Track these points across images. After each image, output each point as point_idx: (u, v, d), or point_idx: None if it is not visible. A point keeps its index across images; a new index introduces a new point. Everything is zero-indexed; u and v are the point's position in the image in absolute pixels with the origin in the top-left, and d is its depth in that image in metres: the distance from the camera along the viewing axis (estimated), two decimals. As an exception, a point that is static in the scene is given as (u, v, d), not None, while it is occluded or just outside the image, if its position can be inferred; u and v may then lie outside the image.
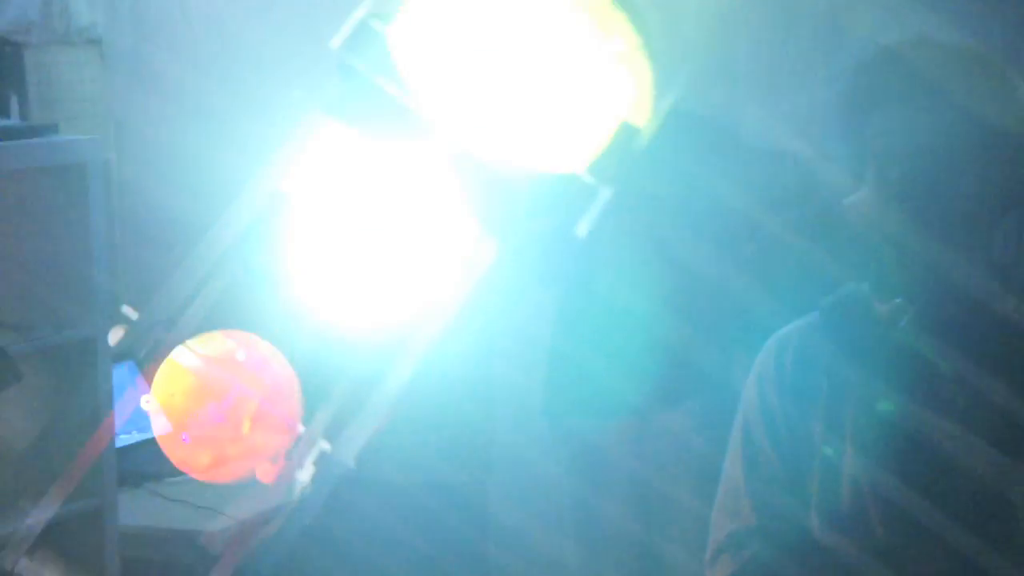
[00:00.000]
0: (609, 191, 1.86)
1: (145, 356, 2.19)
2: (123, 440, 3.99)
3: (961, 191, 2.02)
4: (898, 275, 2.05)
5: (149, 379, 2.13)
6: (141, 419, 4.12)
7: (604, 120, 1.80)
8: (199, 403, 1.91)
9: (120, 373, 4.02)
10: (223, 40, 4.67)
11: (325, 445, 2.08)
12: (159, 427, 2.49)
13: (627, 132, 1.68)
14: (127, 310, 1.66)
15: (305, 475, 2.08)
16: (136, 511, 3.86)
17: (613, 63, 1.80)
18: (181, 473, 3.85)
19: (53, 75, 4.54)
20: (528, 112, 1.58)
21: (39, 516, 3.37)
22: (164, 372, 1.89)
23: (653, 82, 1.80)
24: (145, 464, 4.05)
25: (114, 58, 4.72)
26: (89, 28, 4.60)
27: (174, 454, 1.98)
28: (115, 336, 1.76)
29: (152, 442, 4.11)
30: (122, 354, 4.08)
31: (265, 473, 1.86)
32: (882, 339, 2.06)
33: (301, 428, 2.13)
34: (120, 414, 3.98)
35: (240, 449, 1.85)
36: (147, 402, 1.89)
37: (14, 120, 4.03)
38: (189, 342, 2.05)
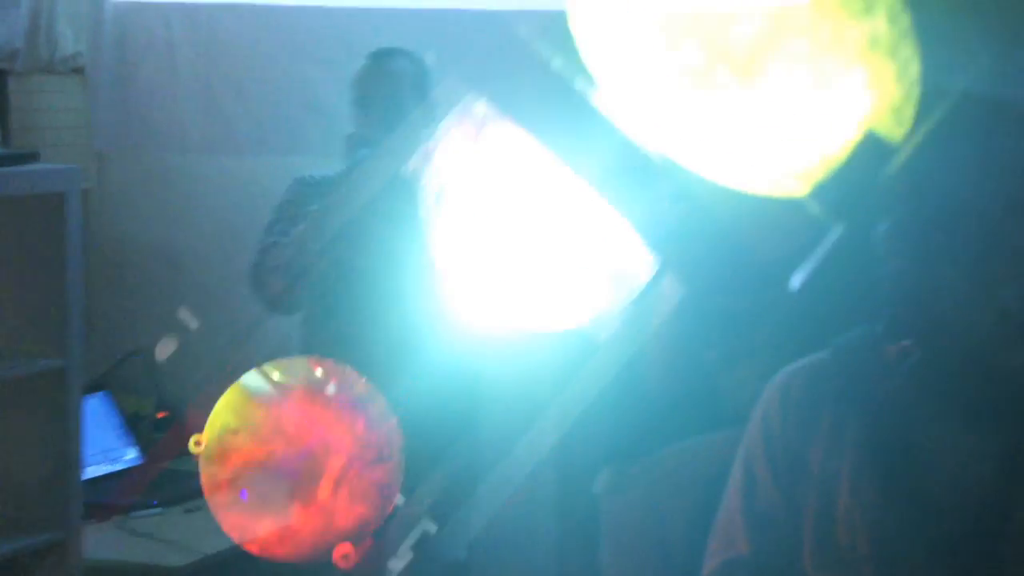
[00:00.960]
0: (840, 229, 1.85)
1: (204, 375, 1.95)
2: (91, 472, 3.95)
3: (975, 241, 1.99)
4: (908, 316, 2.03)
5: (204, 408, 1.70)
6: (111, 450, 4.31)
7: (842, 128, 1.57)
8: (268, 448, 1.51)
9: (92, 404, 4.11)
10: (208, 71, 4.64)
11: (430, 526, 1.76)
12: (210, 481, 1.97)
13: (874, 145, 1.56)
14: (184, 314, 1.39)
15: (399, 564, 1.74)
16: (101, 545, 3.79)
17: (861, 50, 1.57)
18: (149, 506, 3.79)
19: (36, 103, 4.50)
20: (737, 116, 1.25)
21: (2, 548, 3.41)
22: (227, 401, 1.56)
23: (919, 75, 1.73)
24: (113, 497, 4.05)
25: (97, 87, 4.64)
26: (73, 57, 4.54)
27: (226, 516, 1.58)
28: (165, 350, 1.48)
29: (120, 474, 4.20)
30: (96, 384, 4.35)
31: (345, 556, 1.42)
32: (885, 381, 2.04)
33: (400, 499, 1.76)
34: (90, 445, 3.90)
35: (316, 519, 1.42)
36: (196, 444, 1.53)
37: None
38: (266, 365, 1.72)
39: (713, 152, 1.89)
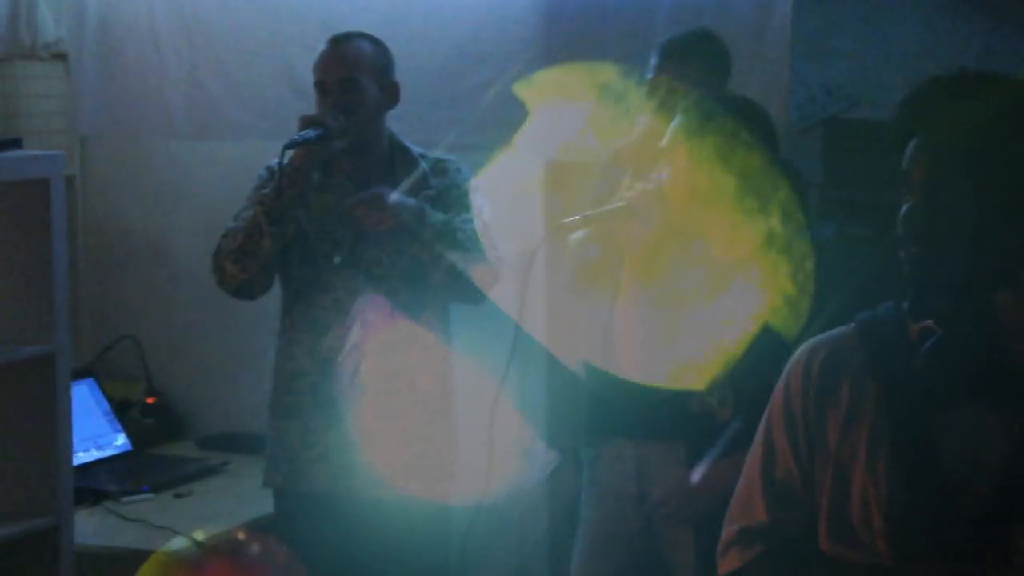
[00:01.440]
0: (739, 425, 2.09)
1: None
2: (81, 458, 4.00)
3: (982, 228, 2.03)
4: (930, 296, 2.07)
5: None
6: (100, 436, 4.32)
7: (739, 323, 1.80)
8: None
9: (80, 390, 4.13)
10: (192, 55, 4.62)
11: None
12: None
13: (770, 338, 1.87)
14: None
15: None
16: (93, 530, 3.81)
17: (757, 248, 1.85)
18: (139, 491, 3.79)
19: (18, 89, 4.50)
20: (637, 313, 1.49)
21: None
22: (151, 567, 1.61)
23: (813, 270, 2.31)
24: (103, 482, 4.07)
25: (81, 73, 4.63)
26: (55, 42, 4.53)
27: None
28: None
29: (111, 460, 4.39)
30: (84, 370, 4.41)
31: None
32: (906, 358, 2.07)
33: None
34: (79, 431, 3.92)
35: None
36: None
37: None
38: (193, 532, 1.73)
39: (617, 349, 2.00)
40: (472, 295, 3.71)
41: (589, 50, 4.12)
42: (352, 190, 3.56)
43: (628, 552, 3.86)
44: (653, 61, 3.70)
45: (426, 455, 3.66)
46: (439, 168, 3.69)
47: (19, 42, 4.38)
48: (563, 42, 4.20)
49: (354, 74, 3.55)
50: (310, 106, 4.04)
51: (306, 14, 4.44)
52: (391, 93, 3.61)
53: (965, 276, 2.04)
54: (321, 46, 3.67)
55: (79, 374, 4.23)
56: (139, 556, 3.64)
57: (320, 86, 3.57)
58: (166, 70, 4.59)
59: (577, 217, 3.13)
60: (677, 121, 3.04)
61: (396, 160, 3.64)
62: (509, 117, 4.16)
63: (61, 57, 4.56)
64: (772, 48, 4.12)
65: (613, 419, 3.77)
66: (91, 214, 4.72)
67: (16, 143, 3.62)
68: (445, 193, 3.67)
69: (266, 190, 3.52)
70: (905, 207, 2.01)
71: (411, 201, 3.54)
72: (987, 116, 2.04)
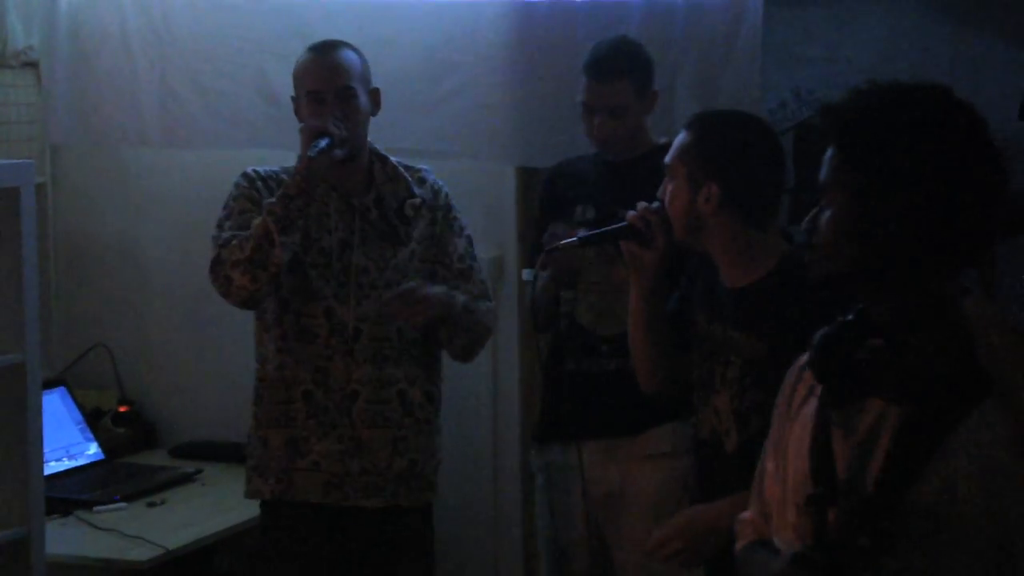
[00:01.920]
0: None
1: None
2: (53, 467, 3.99)
3: (889, 239, 2.02)
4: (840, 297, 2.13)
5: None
6: (72, 445, 4.28)
7: None
8: None
9: (51, 399, 4.13)
10: (164, 64, 4.58)
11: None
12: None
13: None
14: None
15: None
16: (65, 540, 3.76)
17: None
18: (111, 501, 3.83)
19: None
20: None
21: None
22: None
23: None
24: (75, 492, 4.05)
25: (52, 81, 4.63)
26: (25, 51, 4.52)
27: None
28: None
29: (82, 469, 4.36)
30: (56, 379, 4.38)
31: None
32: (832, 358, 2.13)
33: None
34: (50, 440, 3.92)
35: None
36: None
37: None
38: None
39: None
40: (475, 356, 3.75)
41: (560, 55, 4.13)
42: (337, 199, 3.55)
43: (580, 558, 3.93)
44: (583, 83, 3.73)
45: (414, 465, 3.65)
46: (417, 177, 3.69)
47: None
48: (535, 47, 4.20)
49: (350, 83, 3.55)
50: (281, 114, 4.06)
51: (278, 23, 4.43)
52: (376, 101, 3.64)
53: (865, 280, 2.06)
54: (294, 54, 3.65)
55: (50, 383, 4.21)
56: (111, 566, 3.80)
57: (315, 95, 3.55)
58: (138, 78, 4.57)
59: (575, 239, 3.28)
60: (681, 138, 3.05)
61: (375, 170, 3.66)
62: (481, 123, 4.29)
63: (32, 65, 4.55)
64: (744, 54, 4.12)
65: (557, 425, 3.86)
66: (62, 222, 4.70)
67: None
68: (434, 209, 3.67)
69: (271, 200, 3.50)
70: (813, 212, 2.04)
71: (440, 289, 3.57)
72: (896, 128, 2.03)
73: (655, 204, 3.06)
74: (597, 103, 3.74)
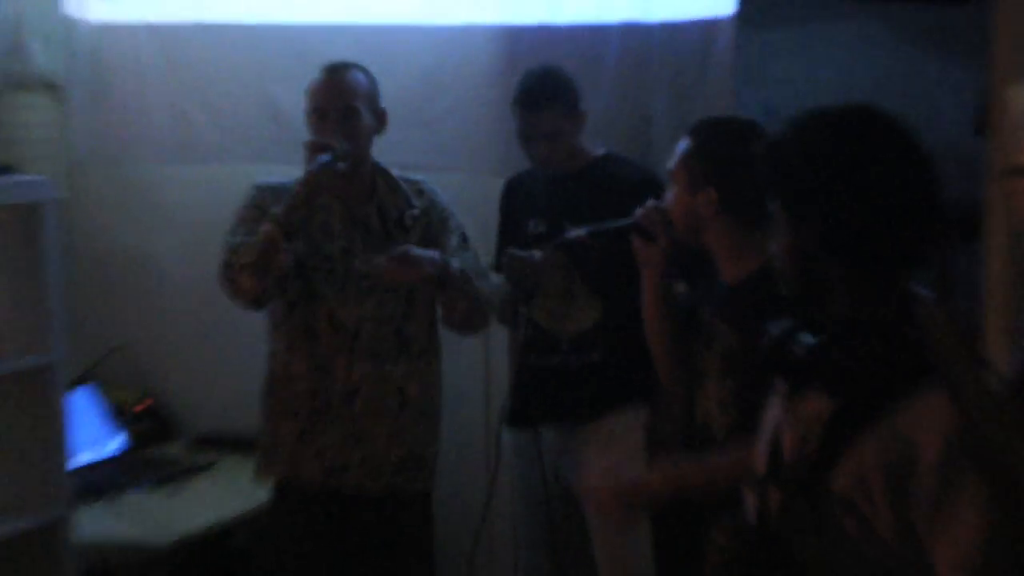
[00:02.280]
0: None
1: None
2: (81, 459, 4.08)
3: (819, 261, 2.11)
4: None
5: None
6: (97, 438, 4.37)
7: None
8: None
9: (79, 396, 4.27)
10: (177, 86, 4.68)
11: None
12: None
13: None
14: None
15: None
16: (93, 525, 3.89)
17: None
18: (136, 489, 4.10)
19: (12, 119, 4.50)
20: None
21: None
22: None
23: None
24: (102, 481, 4.16)
25: (71, 103, 4.69)
26: (47, 73, 4.59)
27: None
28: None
29: (108, 461, 4.36)
30: (82, 378, 4.44)
31: None
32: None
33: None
34: (78, 434, 4.01)
35: None
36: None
37: None
38: None
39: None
40: (478, 328, 3.90)
41: None
42: (340, 209, 3.67)
43: (550, 542, 4.07)
44: (516, 112, 3.89)
45: (412, 453, 3.78)
46: (416, 189, 3.79)
47: (10, 73, 4.45)
48: (521, 68, 4.15)
49: (353, 102, 3.64)
50: (285, 132, 4.28)
51: (282, 46, 4.52)
52: (381, 119, 3.72)
53: (813, 298, 2.15)
54: (298, 76, 3.82)
55: (78, 381, 4.32)
56: (135, 548, 3.94)
57: (319, 112, 3.65)
58: (152, 99, 4.66)
59: (584, 231, 3.35)
60: (682, 145, 3.13)
61: (378, 182, 3.75)
62: (473, 139, 4.41)
63: (53, 88, 4.62)
64: (716, 74, 4.20)
65: (523, 413, 3.98)
66: (83, 234, 4.74)
67: (7, 170, 3.70)
68: (429, 215, 3.79)
69: (276, 209, 3.57)
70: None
71: (433, 254, 3.66)
72: (822, 155, 2.09)
73: (654, 206, 3.18)
74: (533, 132, 3.89)
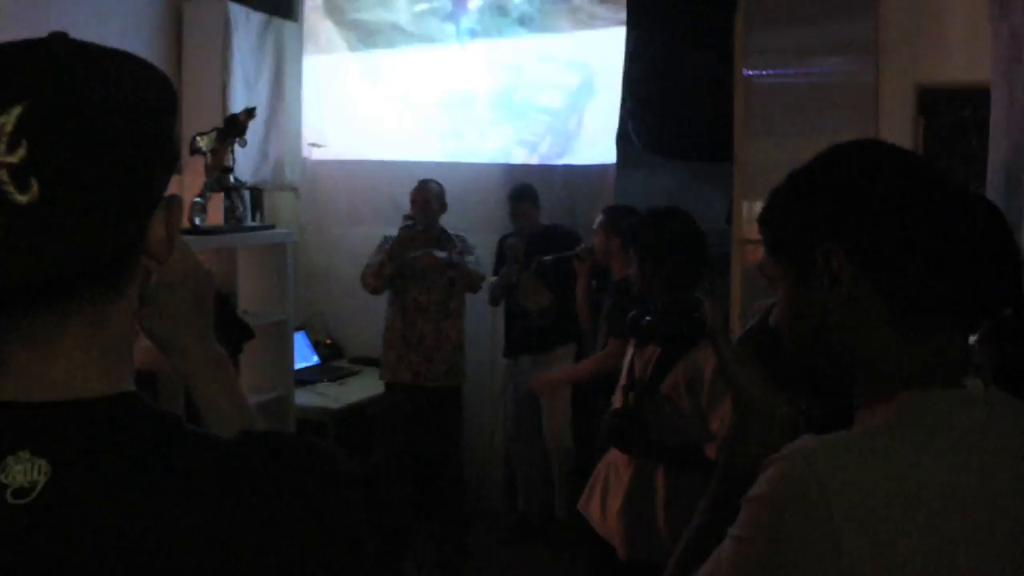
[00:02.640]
0: None
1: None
2: (299, 365, 4.40)
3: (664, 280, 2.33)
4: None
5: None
6: (307, 356, 4.70)
7: None
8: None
9: (299, 337, 4.51)
10: (349, 189, 4.97)
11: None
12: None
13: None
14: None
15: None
16: (302, 400, 4.20)
17: None
18: (324, 381, 4.49)
19: (272, 203, 4.65)
20: None
21: (251, 401, 3.60)
22: None
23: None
24: (307, 376, 4.55)
25: (302, 197, 4.94)
26: (292, 183, 4.84)
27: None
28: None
29: (311, 367, 4.67)
30: (299, 327, 4.50)
31: None
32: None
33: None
34: (299, 354, 4.34)
35: None
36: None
37: (257, 223, 3.95)
38: None
39: None
40: (474, 288, 4.00)
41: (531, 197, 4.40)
42: (423, 248, 3.93)
43: (518, 415, 4.21)
44: (509, 204, 4.20)
45: (452, 367, 4.01)
46: (458, 239, 4.02)
47: (277, 183, 4.73)
48: (511, 184, 4.52)
49: (428, 196, 3.94)
50: (401, 212, 4.34)
51: (402, 170, 4.71)
52: (443, 206, 4.00)
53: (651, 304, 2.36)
54: (408, 185, 4.15)
55: (298, 329, 4.43)
56: (324, 411, 4.12)
57: (413, 203, 3.96)
58: (339, 193, 5.01)
59: (549, 258, 3.87)
60: (600, 218, 3.51)
61: (442, 236, 4.00)
62: (484, 216, 4.62)
63: (293, 190, 4.92)
64: (606, 188, 4.46)
65: (510, 349, 4.28)
66: (305, 258, 4.95)
67: (271, 227, 4.01)
68: (464, 250, 3.99)
69: (386, 247, 3.88)
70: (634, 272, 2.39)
71: (444, 254, 3.89)
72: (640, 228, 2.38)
73: (586, 246, 3.64)
74: (516, 212, 4.21)
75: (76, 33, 0.67)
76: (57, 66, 0.65)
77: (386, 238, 3.95)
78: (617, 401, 2.42)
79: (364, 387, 4.54)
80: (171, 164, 0.71)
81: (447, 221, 4.14)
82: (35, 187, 0.62)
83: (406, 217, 3.93)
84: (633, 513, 2.32)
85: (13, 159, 0.62)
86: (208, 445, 0.70)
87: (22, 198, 0.62)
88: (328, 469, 0.71)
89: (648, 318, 2.11)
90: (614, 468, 2.43)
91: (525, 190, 4.21)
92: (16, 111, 0.63)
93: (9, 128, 0.62)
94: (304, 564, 0.67)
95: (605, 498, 2.43)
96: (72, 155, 0.63)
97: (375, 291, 3.94)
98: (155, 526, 0.64)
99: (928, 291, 0.89)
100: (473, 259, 3.93)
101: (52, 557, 0.64)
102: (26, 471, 0.65)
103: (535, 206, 4.21)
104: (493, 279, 4.16)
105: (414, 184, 4.10)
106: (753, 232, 3.57)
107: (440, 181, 4.11)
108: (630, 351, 2.43)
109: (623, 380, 2.40)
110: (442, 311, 3.92)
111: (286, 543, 0.67)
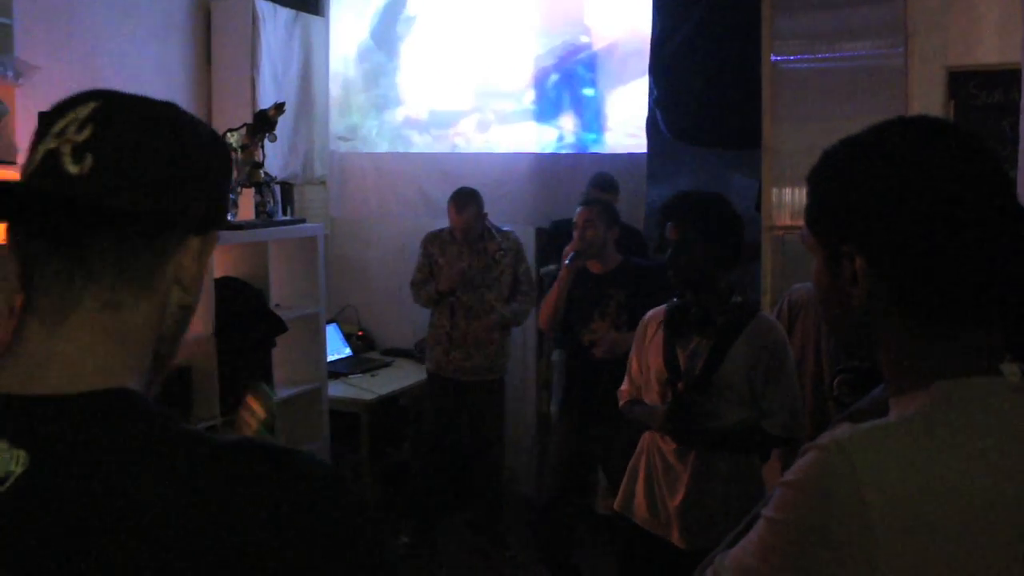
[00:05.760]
0: None
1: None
2: (331, 357, 4.43)
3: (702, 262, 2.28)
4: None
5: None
6: (339, 349, 4.73)
7: None
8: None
9: (331, 329, 4.57)
10: (378, 182, 4.92)
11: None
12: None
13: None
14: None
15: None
16: (335, 391, 4.21)
17: None
18: (357, 372, 4.43)
19: (306, 197, 4.79)
20: None
21: (284, 394, 3.68)
22: None
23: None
24: (339, 368, 4.58)
25: (331, 190, 4.96)
26: (320, 176, 4.90)
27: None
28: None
29: (343, 359, 4.69)
30: (331, 320, 4.61)
31: None
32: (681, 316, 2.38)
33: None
34: (330, 347, 4.31)
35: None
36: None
37: (287, 217, 3.93)
38: None
39: None
40: (522, 323, 3.99)
41: (559, 180, 4.51)
42: (468, 252, 3.88)
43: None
44: (587, 188, 4.04)
45: (493, 362, 3.99)
46: (503, 234, 3.99)
47: (306, 177, 4.77)
48: (547, 176, 4.57)
49: (469, 225, 3.90)
50: (429, 206, 4.56)
51: (429, 162, 4.80)
52: (481, 216, 3.96)
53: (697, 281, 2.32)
54: (436, 178, 4.29)
55: (330, 321, 4.49)
56: (356, 401, 4.06)
57: (450, 206, 3.92)
58: (368, 186, 4.99)
59: (568, 261, 3.50)
60: (592, 211, 3.39)
61: (485, 233, 3.96)
62: (522, 209, 4.59)
63: (322, 183, 4.93)
64: (637, 180, 4.39)
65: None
66: (336, 252, 5.00)
67: (302, 220, 3.98)
68: (511, 248, 3.93)
69: (430, 290, 3.89)
70: (670, 253, 2.31)
71: (496, 317, 3.85)
72: (693, 208, 2.31)
73: (584, 244, 3.43)
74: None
75: (106, 31, 0.76)
76: (128, 95, 0.77)
77: (426, 237, 3.97)
78: (651, 395, 2.40)
79: (396, 378, 4.53)
80: (206, 195, 0.78)
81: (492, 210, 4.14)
82: (89, 160, 0.71)
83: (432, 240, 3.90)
84: (694, 502, 2.32)
85: (79, 138, 0.72)
86: (198, 444, 0.71)
87: (75, 168, 0.71)
88: (324, 475, 0.72)
89: (695, 310, 2.21)
90: (657, 463, 2.41)
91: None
92: (92, 104, 0.74)
93: (84, 115, 0.73)
94: (288, 565, 0.67)
95: (652, 494, 2.41)
96: (126, 145, 0.72)
97: (426, 305, 4.01)
98: (128, 519, 0.65)
99: (949, 303, 0.88)
100: (524, 267, 3.91)
101: (21, 545, 0.65)
102: (3, 461, 0.67)
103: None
104: (546, 269, 4.07)
105: (442, 176, 4.28)
106: (783, 219, 3.61)
107: (470, 171, 4.19)
108: (653, 342, 2.41)
109: (658, 374, 2.38)
110: (484, 311, 3.92)
111: (266, 543, 0.67)
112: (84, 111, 0.73)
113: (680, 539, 2.32)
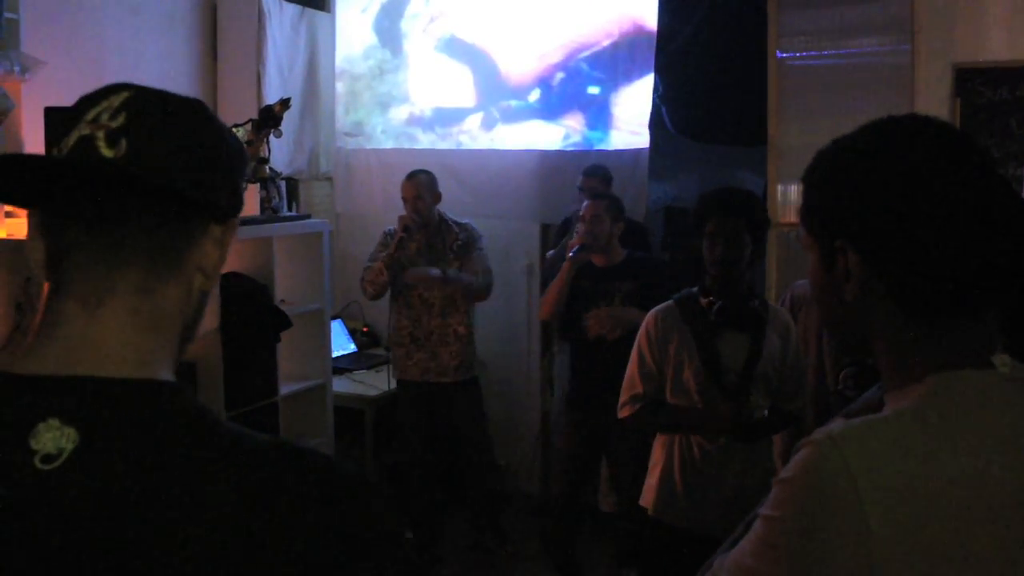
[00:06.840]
0: None
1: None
2: (336, 353, 4.40)
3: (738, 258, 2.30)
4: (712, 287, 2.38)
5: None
6: (344, 345, 4.71)
7: None
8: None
9: (336, 324, 4.58)
10: (378, 180, 4.81)
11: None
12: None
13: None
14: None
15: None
16: (339, 387, 4.18)
17: None
18: (361, 367, 4.46)
19: (311, 192, 4.76)
20: None
21: (289, 389, 3.64)
22: None
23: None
24: (343, 364, 4.48)
25: (337, 186, 4.94)
26: (326, 172, 4.90)
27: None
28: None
29: (348, 355, 4.68)
30: (336, 315, 4.55)
31: None
32: (700, 317, 2.40)
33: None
34: (335, 342, 4.27)
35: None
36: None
37: (293, 213, 3.93)
38: None
39: None
40: (478, 298, 3.86)
41: (560, 176, 4.45)
42: (423, 240, 3.77)
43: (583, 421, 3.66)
44: (581, 177, 4.05)
45: (462, 361, 3.86)
46: (461, 226, 3.83)
47: (312, 173, 4.76)
48: (547, 173, 4.52)
49: (419, 193, 3.75)
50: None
51: (431, 156, 4.61)
52: (437, 197, 3.79)
53: (733, 276, 2.35)
54: (436, 172, 3.94)
55: (334, 317, 4.44)
56: (359, 396, 4.08)
57: (404, 200, 3.79)
58: (371, 185, 4.94)
59: (573, 251, 3.43)
60: (600, 205, 3.34)
61: (442, 225, 3.82)
62: (523, 203, 4.49)
63: (328, 179, 4.93)
64: (639, 175, 4.34)
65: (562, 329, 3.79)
66: (341, 248, 4.95)
67: (307, 216, 3.96)
68: (468, 239, 3.80)
69: (384, 254, 3.71)
70: (706, 246, 2.33)
71: (436, 271, 3.70)
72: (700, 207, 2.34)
73: (586, 238, 3.41)
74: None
75: (112, 26, 0.77)
76: (158, 91, 0.81)
77: (387, 233, 3.78)
78: (686, 396, 2.38)
79: (377, 382, 4.50)
80: (229, 184, 0.81)
81: (481, 207, 4.13)
82: (123, 144, 0.74)
83: (402, 219, 3.71)
84: (742, 492, 2.34)
85: (113, 124, 0.75)
86: (241, 442, 0.73)
87: (109, 152, 0.74)
88: (355, 479, 0.74)
89: (744, 307, 2.26)
90: (696, 458, 2.40)
91: (596, 170, 4.05)
92: (125, 94, 0.77)
93: (117, 104, 0.76)
94: (321, 567, 0.69)
95: (691, 494, 2.41)
96: (159, 131, 0.76)
97: (373, 298, 3.82)
98: (173, 506, 0.67)
99: (939, 297, 0.88)
100: (480, 252, 3.74)
101: (74, 519, 0.67)
102: (55, 438, 0.69)
103: (610, 184, 4.03)
104: (551, 253, 3.98)
105: (448, 172, 4.12)
106: (788, 215, 3.65)
107: (475, 168, 4.17)
108: (674, 341, 2.41)
109: (695, 373, 2.37)
110: (449, 306, 3.78)
111: (302, 543, 0.69)
112: (117, 100, 0.76)
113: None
